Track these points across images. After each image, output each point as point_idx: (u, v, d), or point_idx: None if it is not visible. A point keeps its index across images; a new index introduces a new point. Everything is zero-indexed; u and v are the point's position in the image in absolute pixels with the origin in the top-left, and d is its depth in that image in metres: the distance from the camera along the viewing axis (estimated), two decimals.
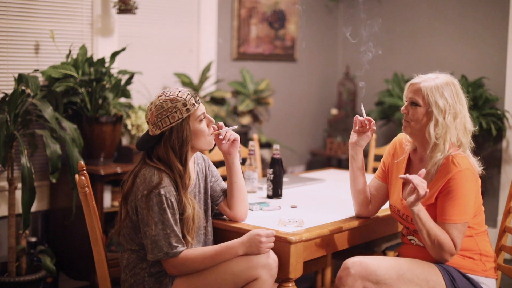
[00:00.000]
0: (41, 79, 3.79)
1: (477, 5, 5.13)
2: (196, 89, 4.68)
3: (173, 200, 2.38)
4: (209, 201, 2.65)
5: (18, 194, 3.56)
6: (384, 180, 2.77)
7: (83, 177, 2.54)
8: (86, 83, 3.75)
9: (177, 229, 2.38)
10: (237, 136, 2.62)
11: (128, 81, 3.93)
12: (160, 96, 2.46)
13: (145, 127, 4.12)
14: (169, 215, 2.36)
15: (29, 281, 3.49)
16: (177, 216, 2.39)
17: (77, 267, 3.87)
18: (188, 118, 2.44)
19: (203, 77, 4.70)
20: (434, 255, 2.45)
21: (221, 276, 2.39)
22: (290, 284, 2.50)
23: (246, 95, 5.03)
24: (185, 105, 2.42)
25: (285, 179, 3.43)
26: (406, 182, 2.64)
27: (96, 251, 2.58)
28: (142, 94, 4.37)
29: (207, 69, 4.70)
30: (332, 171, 4.12)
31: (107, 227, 3.85)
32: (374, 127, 2.70)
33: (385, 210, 2.87)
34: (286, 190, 3.27)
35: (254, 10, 5.34)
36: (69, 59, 3.81)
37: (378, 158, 4.09)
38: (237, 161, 2.65)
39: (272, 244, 2.43)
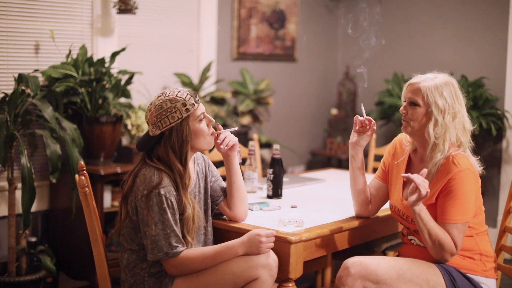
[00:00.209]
0: (41, 79, 3.79)
1: (477, 5, 5.13)
2: (196, 89, 4.68)
3: (173, 200, 2.38)
4: (209, 201, 2.65)
5: (18, 194, 3.56)
6: (384, 180, 2.77)
7: (83, 177, 2.54)
8: (86, 83, 3.75)
9: (177, 229, 2.38)
10: (236, 141, 2.62)
11: (128, 81, 3.93)
12: (160, 96, 2.46)
13: (145, 127, 4.12)
14: (169, 215, 2.36)
15: (29, 281, 3.49)
16: (177, 216, 2.39)
17: (77, 267, 3.87)
18: (188, 118, 2.44)
19: (203, 77, 4.70)
20: (435, 255, 2.45)
21: (221, 276, 2.39)
22: (290, 284, 2.50)
23: (246, 95, 5.03)
24: (184, 105, 2.42)
25: (285, 179, 3.43)
26: (407, 182, 2.64)
27: (96, 251, 2.58)
28: (142, 94, 4.37)
29: (207, 69, 4.70)
30: (332, 171, 4.12)
31: (107, 227, 3.85)
32: (374, 127, 2.70)
33: (385, 210, 2.87)
34: (286, 190, 3.27)
35: (254, 10, 5.34)
36: (69, 59, 3.81)
37: (378, 158, 4.09)
38: (236, 162, 2.65)
39: (272, 244, 2.43)
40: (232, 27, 5.21)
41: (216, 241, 2.63)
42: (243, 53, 5.30)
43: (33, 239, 3.79)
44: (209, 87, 4.91)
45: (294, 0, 5.63)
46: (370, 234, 2.89)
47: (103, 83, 3.80)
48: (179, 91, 2.46)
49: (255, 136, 3.98)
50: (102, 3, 4.17)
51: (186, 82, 4.65)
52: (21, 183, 3.31)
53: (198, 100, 2.48)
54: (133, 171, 2.47)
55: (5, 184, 3.75)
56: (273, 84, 5.44)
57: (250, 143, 3.23)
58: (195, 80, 4.82)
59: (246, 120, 4.96)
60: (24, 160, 3.27)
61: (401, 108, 2.59)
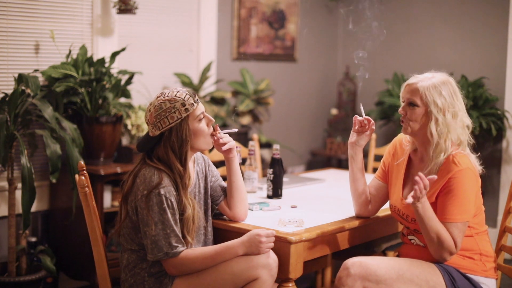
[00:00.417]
0: (41, 79, 3.79)
1: (477, 5, 5.13)
2: (196, 89, 4.68)
3: (173, 200, 2.38)
4: (209, 201, 2.65)
5: (18, 194, 3.56)
6: (384, 180, 2.77)
7: (83, 177, 2.54)
8: (86, 83, 3.75)
9: (177, 229, 2.38)
10: (233, 145, 2.62)
11: (128, 81, 3.93)
12: (159, 96, 2.46)
13: (145, 127, 4.12)
14: (169, 215, 2.36)
15: (29, 281, 3.49)
16: (177, 216, 2.39)
17: (77, 267, 3.87)
18: (187, 118, 2.44)
19: (203, 77, 4.70)
20: (434, 253, 2.45)
21: (221, 276, 2.39)
22: (290, 284, 2.50)
23: (246, 95, 5.03)
24: (183, 105, 2.42)
25: (285, 179, 3.43)
26: (407, 181, 2.65)
27: (96, 251, 2.58)
28: (142, 94, 4.37)
29: (207, 69, 4.70)
30: (332, 171, 4.12)
31: (107, 227, 3.85)
32: (373, 127, 2.70)
33: (385, 210, 2.87)
34: (286, 190, 3.27)
35: (254, 10, 5.34)
36: (69, 59, 3.81)
37: (378, 158, 4.09)
38: (236, 162, 2.66)
39: (272, 244, 2.43)
40: (232, 27, 5.21)
41: (216, 241, 2.63)
42: (243, 53, 5.30)
43: (33, 239, 3.79)
44: (209, 87, 4.91)
45: (294, 0, 5.63)
46: (370, 234, 2.89)
47: (103, 83, 3.80)
48: (178, 91, 2.46)
49: (255, 136, 3.98)
50: (102, 3, 4.17)
51: (186, 82, 4.65)
52: (21, 183, 3.31)
53: (197, 100, 2.48)
54: (133, 171, 2.47)
55: (5, 184, 3.75)
56: (273, 84, 5.44)
57: (250, 143, 3.23)
58: (195, 80, 4.82)
59: (246, 120, 4.96)
60: (24, 160, 3.27)
61: (400, 109, 2.58)
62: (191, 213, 2.43)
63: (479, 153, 2.60)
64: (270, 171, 3.11)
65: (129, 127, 4.15)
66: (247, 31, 5.31)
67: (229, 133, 2.69)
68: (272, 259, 2.41)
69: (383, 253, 3.33)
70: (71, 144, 3.41)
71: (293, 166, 5.79)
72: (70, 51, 3.84)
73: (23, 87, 3.48)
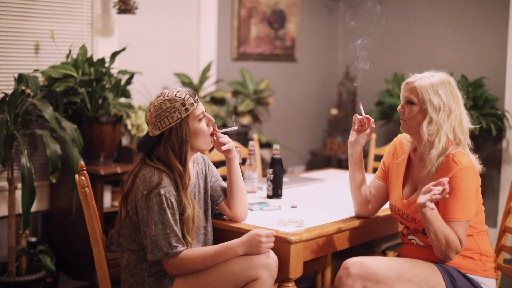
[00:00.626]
0: (41, 79, 3.79)
1: (477, 5, 5.13)
2: (196, 89, 4.68)
3: (173, 200, 2.38)
4: (209, 201, 2.65)
5: (18, 194, 3.56)
6: (384, 180, 2.77)
7: (83, 177, 2.54)
8: (86, 83, 3.75)
9: (177, 229, 2.38)
10: (232, 147, 2.62)
11: (128, 81, 3.93)
12: (159, 96, 2.46)
13: (145, 127, 4.12)
14: (169, 215, 2.36)
15: (29, 281, 3.49)
16: (177, 216, 2.39)
17: (77, 267, 3.87)
18: (187, 117, 2.44)
19: (203, 77, 4.70)
20: (440, 254, 2.44)
21: (221, 276, 2.39)
22: (290, 284, 2.50)
23: (246, 95, 5.03)
24: (183, 105, 2.42)
25: (285, 179, 3.43)
26: (407, 181, 2.65)
27: (96, 251, 2.58)
28: (142, 94, 4.37)
29: (207, 69, 4.70)
30: (332, 171, 4.12)
31: (107, 227, 3.85)
32: (373, 125, 2.71)
33: (385, 210, 2.87)
34: (286, 190, 3.27)
35: (254, 10, 5.34)
36: (69, 59, 3.81)
37: (378, 158, 4.09)
38: (236, 162, 2.66)
39: (272, 244, 2.43)
40: (232, 27, 5.21)
41: (216, 241, 2.63)
42: (243, 53, 5.30)
43: (33, 239, 3.79)
44: (209, 87, 4.91)
45: (294, 0, 5.63)
46: (370, 234, 2.89)
47: (103, 83, 3.80)
48: (178, 91, 2.46)
49: (255, 136, 3.98)
50: (102, 3, 4.17)
51: (186, 82, 4.65)
52: (21, 183, 3.31)
53: (197, 99, 2.48)
54: (133, 171, 2.47)
55: (5, 184, 3.75)
56: (273, 84, 5.44)
57: (250, 143, 3.22)
58: (195, 80, 4.82)
59: (246, 120, 4.96)
60: (24, 160, 3.27)
61: (399, 107, 2.60)
62: (191, 213, 2.43)
63: (478, 154, 2.60)
64: (270, 171, 3.11)
65: (129, 127, 4.15)
66: (247, 31, 5.31)
67: (229, 132, 2.69)
68: (272, 259, 2.41)
69: (383, 253, 3.33)
70: (71, 144, 3.41)
71: (293, 166, 5.79)
72: (70, 51, 3.84)
73: (23, 87, 3.48)
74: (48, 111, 3.41)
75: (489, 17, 5.05)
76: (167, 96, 2.44)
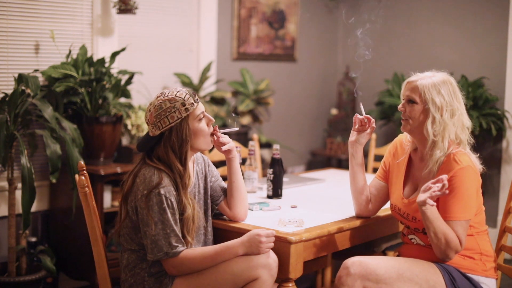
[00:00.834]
0: (41, 79, 3.79)
1: (477, 5, 5.13)
2: (196, 89, 4.68)
3: (173, 200, 2.38)
4: (209, 201, 2.65)
5: (18, 194, 3.56)
6: (385, 180, 2.77)
7: (83, 177, 2.54)
8: (86, 83, 3.75)
9: (177, 229, 2.38)
10: (232, 147, 2.62)
11: (128, 81, 3.93)
12: (159, 96, 2.46)
13: (145, 127, 4.12)
14: (169, 215, 2.36)
15: (29, 281, 3.49)
16: (177, 216, 2.39)
17: (77, 267, 3.87)
18: (187, 117, 2.44)
19: (203, 77, 4.70)
20: (439, 253, 2.44)
21: (221, 276, 2.39)
22: (290, 284, 2.50)
23: (246, 95, 5.03)
24: (183, 104, 2.42)
25: (285, 179, 3.43)
26: (407, 181, 2.65)
27: (96, 251, 2.58)
28: (142, 94, 4.37)
29: (207, 69, 4.70)
30: (332, 171, 4.12)
31: (107, 227, 3.85)
32: (374, 125, 2.71)
33: (385, 210, 2.87)
34: (286, 190, 3.27)
35: (254, 10, 5.34)
36: (69, 59, 3.81)
37: (378, 158, 4.09)
38: (236, 162, 2.66)
39: (272, 244, 2.43)
40: (232, 27, 5.21)
41: (216, 241, 2.63)
42: (243, 53, 5.30)
43: (33, 239, 3.79)
44: (209, 87, 4.91)
45: (294, 0, 5.63)
46: (370, 234, 2.89)
47: (103, 83, 3.80)
48: (178, 91, 2.46)
49: (255, 136, 3.98)
50: (102, 3, 4.17)
51: (186, 82, 4.65)
52: (21, 183, 3.31)
53: (197, 99, 2.48)
54: (133, 171, 2.47)
55: (5, 184, 3.75)
56: (273, 84, 5.44)
57: (250, 143, 3.23)
58: (195, 80, 4.82)
59: (246, 120, 4.96)
60: (24, 160, 3.27)
61: (400, 106, 2.60)
62: (191, 213, 2.43)
63: (478, 154, 2.60)
64: (270, 171, 3.11)
65: (129, 127, 4.15)
66: (247, 31, 5.31)
67: (229, 132, 2.69)
68: (272, 259, 2.41)
69: (383, 253, 3.33)
70: (71, 144, 3.41)
71: (293, 166, 5.79)
72: (70, 51, 3.84)
73: (23, 87, 3.48)
74: (48, 111, 3.41)
75: (489, 17, 5.05)
76: (167, 96, 2.44)
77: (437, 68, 2.67)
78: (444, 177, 2.33)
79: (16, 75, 3.52)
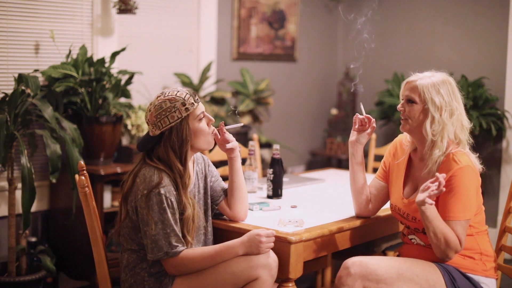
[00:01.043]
0: (41, 79, 3.79)
1: (477, 5, 5.13)
2: (196, 89, 4.68)
3: (173, 199, 2.38)
4: (209, 201, 2.65)
5: (18, 194, 3.56)
6: (385, 180, 2.77)
7: (83, 177, 2.54)
8: (86, 83, 3.75)
9: (177, 229, 2.38)
10: (235, 146, 2.63)
11: (128, 81, 3.93)
12: (159, 96, 2.47)
13: (145, 127, 4.12)
14: (169, 214, 2.36)
15: (29, 281, 3.49)
16: (177, 216, 2.39)
17: (77, 267, 3.87)
18: (188, 117, 2.44)
19: (203, 77, 4.70)
20: (439, 253, 2.44)
21: (221, 276, 2.39)
22: (290, 284, 2.50)
23: (246, 95, 5.03)
24: (184, 104, 2.42)
25: (285, 179, 3.43)
26: (407, 181, 2.65)
27: (96, 251, 2.58)
28: (142, 94, 4.37)
29: (207, 69, 4.70)
30: (332, 171, 4.12)
31: (107, 227, 3.85)
32: (374, 125, 2.71)
33: (385, 210, 2.87)
34: (286, 190, 3.27)
35: (254, 10, 5.34)
36: (69, 59, 3.81)
37: (378, 158, 4.09)
38: (238, 162, 2.66)
39: (272, 244, 2.43)
40: (232, 27, 5.21)
41: (216, 241, 2.63)
42: (243, 53, 5.30)
43: (33, 239, 3.79)
44: (209, 87, 4.91)
45: (294, 0, 5.63)
46: (370, 234, 2.89)
47: (103, 83, 3.80)
48: (178, 91, 2.46)
49: (255, 136, 3.98)
50: (102, 3, 4.17)
51: (186, 82, 4.65)
52: (21, 183, 3.31)
53: (197, 99, 2.48)
54: (133, 171, 2.47)
55: (5, 184, 3.75)
56: (273, 84, 5.44)
57: (250, 143, 3.23)
58: (195, 80, 4.82)
59: (246, 120, 4.96)
60: (24, 160, 3.27)
61: (399, 106, 2.60)
62: (191, 212, 2.43)
63: (478, 154, 2.60)
64: (270, 171, 3.11)
65: (129, 127, 4.15)
66: (247, 31, 5.31)
67: (234, 128, 2.69)
68: (272, 259, 2.41)
69: (383, 253, 3.33)
70: (71, 144, 3.41)
71: (293, 166, 5.79)
72: (70, 51, 3.84)
73: (23, 87, 3.48)
74: (48, 111, 3.40)
75: (489, 17, 5.05)
76: (168, 95, 2.44)
77: (437, 68, 2.67)
78: (441, 175, 2.32)
79: (16, 75, 3.52)
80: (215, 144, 2.62)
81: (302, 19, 5.71)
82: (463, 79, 4.81)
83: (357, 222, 2.74)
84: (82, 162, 2.56)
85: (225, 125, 2.62)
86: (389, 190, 2.74)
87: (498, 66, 4.95)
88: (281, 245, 2.47)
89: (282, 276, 2.49)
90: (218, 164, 3.37)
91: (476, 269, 2.53)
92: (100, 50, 4.17)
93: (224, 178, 2.77)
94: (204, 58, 4.92)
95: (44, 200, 3.99)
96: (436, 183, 2.32)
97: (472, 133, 2.59)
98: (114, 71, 4.04)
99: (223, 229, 2.67)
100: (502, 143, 4.90)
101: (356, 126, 2.73)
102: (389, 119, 5.18)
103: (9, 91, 3.61)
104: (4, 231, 3.78)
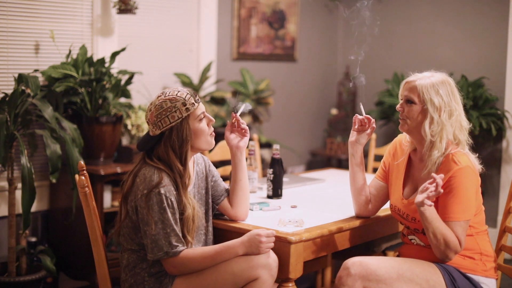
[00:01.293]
0: (41, 79, 3.79)
1: (477, 5, 5.13)
2: (196, 89, 4.68)
3: (173, 199, 2.38)
4: (210, 201, 2.65)
5: (18, 194, 3.56)
6: (384, 180, 2.77)
7: (83, 177, 2.54)
8: (86, 83, 3.75)
9: (177, 229, 2.38)
10: (246, 142, 2.63)
11: (128, 81, 3.93)
12: (160, 96, 2.47)
13: (145, 127, 4.12)
14: (169, 214, 2.36)
15: (29, 281, 3.49)
16: (177, 216, 2.39)
17: (77, 267, 3.87)
18: (188, 117, 2.44)
19: (203, 77, 4.70)
20: (439, 254, 2.44)
21: (221, 276, 2.39)
22: (290, 284, 2.50)
23: (246, 95, 5.04)
24: (184, 104, 2.43)
25: (285, 179, 3.43)
26: (407, 181, 2.65)
27: (96, 251, 2.58)
28: (142, 94, 4.37)
29: (207, 69, 4.70)
30: (332, 171, 4.12)
31: (107, 227, 3.85)
32: (374, 125, 2.71)
33: (385, 210, 2.87)
34: (286, 190, 3.27)
35: (254, 10, 5.34)
36: (69, 59, 3.81)
37: (378, 158, 4.09)
38: (244, 159, 2.66)
39: (272, 244, 2.43)
40: (232, 27, 5.21)
41: (216, 241, 2.63)
42: (243, 53, 5.30)
43: (33, 239, 3.79)
44: (209, 87, 4.91)
45: (294, 0, 5.63)
46: (370, 234, 2.89)
47: (103, 83, 3.80)
48: (179, 91, 2.46)
49: (255, 136, 3.98)
50: (102, 3, 4.17)
51: (186, 82, 4.65)
52: (21, 183, 3.31)
53: (198, 99, 2.48)
54: (133, 171, 2.47)
55: (5, 184, 3.75)
56: (273, 84, 5.44)
57: (250, 143, 3.22)
58: (195, 80, 4.82)
59: (246, 120, 4.96)
60: (24, 160, 3.27)
61: (398, 106, 2.60)
62: (191, 212, 2.43)
63: (477, 154, 2.60)
64: (270, 171, 3.11)
65: (129, 127, 4.16)
66: (247, 31, 5.31)
67: (244, 111, 2.70)
68: (272, 259, 2.41)
69: (383, 253, 3.33)
70: (71, 144, 3.41)
71: (293, 166, 5.79)
72: (70, 51, 3.84)
73: (23, 87, 3.48)
74: (48, 111, 3.41)
75: (489, 17, 5.05)
76: (168, 95, 2.44)
77: (437, 68, 2.67)
78: (438, 176, 2.32)
79: (16, 75, 3.52)
80: (215, 144, 2.62)
81: (302, 19, 5.72)
82: (463, 79, 4.81)
83: (357, 222, 2.74)
84: (82, 162, 2.56)
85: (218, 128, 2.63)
86: (389, 190, 2.74)
87: (498, 66, 4.95)
88: (281, 245, 2.47)
89: (282, 276, 2.49)
90: (218, 164, 3.37)
91: (476, 269, 2.53)
92: (100, 50, 4.17)
93: (224, 178, 2.77)
94: (204, 58, 4.92)
95: (44, 200, 3.99)
96: (434, 184, 2.32)
97: (472, 133, 2.59)
98: (114, 71, 4.04)
99: (223, 229, 2.67)
100: (502, 143, 4.90)
101: (356, 127, 2.72)
102: (389, 119, 5.18)
103: (9, 91, 3.61)
104: (4, 231, 3.78)
